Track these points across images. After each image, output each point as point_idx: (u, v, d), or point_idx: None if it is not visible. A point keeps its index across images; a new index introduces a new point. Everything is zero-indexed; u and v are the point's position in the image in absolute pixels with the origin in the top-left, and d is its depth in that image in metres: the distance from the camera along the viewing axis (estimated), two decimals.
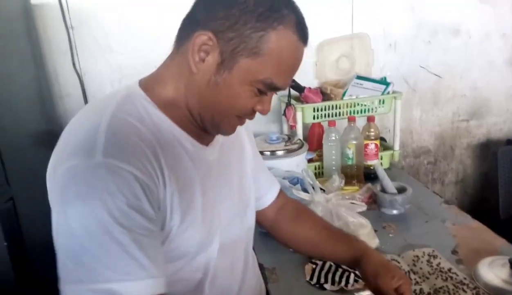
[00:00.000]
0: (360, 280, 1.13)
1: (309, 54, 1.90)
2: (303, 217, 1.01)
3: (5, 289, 1.22)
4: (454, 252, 1.26)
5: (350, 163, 1.72)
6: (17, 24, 1.52)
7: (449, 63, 2.12)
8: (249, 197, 0.89)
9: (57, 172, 0.59)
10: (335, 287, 1.10)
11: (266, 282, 1.16)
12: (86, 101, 1.81)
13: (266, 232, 1.07)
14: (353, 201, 1.35)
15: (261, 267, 1.20)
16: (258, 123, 1.95)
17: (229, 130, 0.74)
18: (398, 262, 1.19)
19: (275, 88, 0.68)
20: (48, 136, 1.70)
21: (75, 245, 0.55)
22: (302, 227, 0.99)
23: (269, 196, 1.00)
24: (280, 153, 1.60)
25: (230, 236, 0.80)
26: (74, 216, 0.55)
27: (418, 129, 2.21)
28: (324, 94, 1.84)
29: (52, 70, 1.76)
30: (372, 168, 1.72)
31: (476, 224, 1.42)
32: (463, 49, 2.10)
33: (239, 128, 0.77)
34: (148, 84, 0.70)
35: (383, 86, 1.79)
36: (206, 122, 0.71)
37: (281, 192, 1.04)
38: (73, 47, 1.74)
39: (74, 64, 1.75)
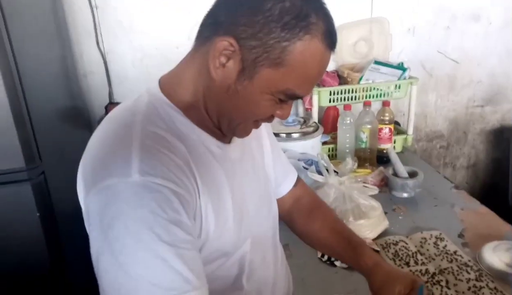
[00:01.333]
0: None
1: None
2: (315, 214, 0.98)
3: (38, 256, 1.32)
4: (460, 235, 1.31)
5: (363, 146, 1.76)
6: (43, 4, 1.57)
7: (467, 49, 2.12)
8: (271, 186, 0.90)
9: (92, 192, 0.58)
10: (345, 265, 1.17)
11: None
12: (108, 79, 1.87)
13: None
14: (365, 184, 1.40)
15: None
16: None
17: (244, 134, 0.73)
18: (406, 243, 1.26)
19: (296, 97, 0.67)
20: (74, 112, 1.78)
21: (118, 267, 0.55)
22: (313, 225, 0.96)
23: (284, 186, 0.99)
24: (295, 135, 1.65)
25: (259, 228, 0.81)
26: (116, 238, 0.55)
27: (433, 114, 2.23)
28: (340, 77, 1.87)
29: (77, 49, 1.81)
30: (385, 151, 1.77)
31: (484, 209, 1.47)
32: (482, 36, 2.10)
33: None
34: (168, 87, 0.69)
35: (400, 72, 1.81)
36: (222, 125, 0.70)
37: (299, 182, 1.02)
38: (97, 26, 1.79)
39: (98, 43, 1.81)
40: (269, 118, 0.71)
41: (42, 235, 1.29)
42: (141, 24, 1.82)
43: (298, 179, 1.02)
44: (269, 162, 0.91)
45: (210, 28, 0.64)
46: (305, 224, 0.98)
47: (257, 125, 0.73)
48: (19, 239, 1.27)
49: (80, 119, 1.83)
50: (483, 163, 2.39)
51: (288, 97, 0.65)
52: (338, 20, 2.01)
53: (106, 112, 1.85)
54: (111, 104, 1.87)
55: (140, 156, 0.58)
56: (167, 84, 0.70)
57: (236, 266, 0.75)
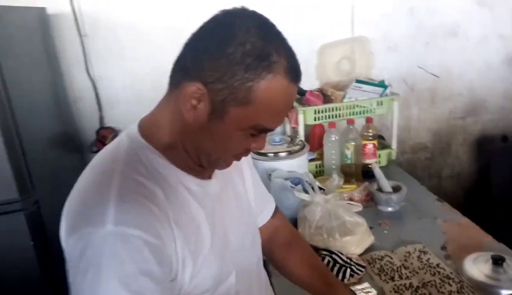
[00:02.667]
0: (355, 275, 1.24)
1: (311, 56, 2.01)
2: (293, 248, 1.01)
3: (32, 284, 1.34)
4: (443, 248, 1.36)
5: (349, 162, 1.81)
6: (34, 32, 1.62)
7: (446, 64, 2.19)
8: (254, 216, 0.93)
9: (70, 238, 0.61)
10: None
11: (270, 276, 1.27)
12: (99, 104, 1.92)
13: None
14: (350, 202, 1.45)
15: (264, 263, 1.31)
16: None
17: (225, 166, 0.76)
18: (391, 258, 1.30)
19: (267, 131, 0.70)
20: (65, 138, 1.81)
21: None
22: (291, 259, 0.99)
23: (263, 216, 1.01)
24: (282, 154, 1.70)
25: (244, 259, 0.83)
26: (88, 285, 0.58)
27: (416, 127, 2.30)
28: (325, 96, 1.93)
29: (67, 76, 1.86)
30: (370, 166, 1.82)
31: (465, 221, 1.52)
32: (460, 51, 2.18)
33: None
34: (147, 130, 0.72)
35: (381, 89, 1.88)
36: (202, 161, 0.73)
37: (277, 213, 1.04)
38: (86, 54, 1.84)
39: (87, 70, 1.86)
40: (246, 153, 0.74)
41: (36, 263, 1.32)
42: (130, 51, 1.87)
43: (277, 209, 1.05)
44: (251, 192, 0.94)
45: (179, 73, 0.67)
46: (283, 257, 1.00)
47: (238, 158, 0.75)
48: (14, 268, 1.31)
49: (71, 145, 1.86)
50: (467, 172, 2.46)
51: (258, 132, 0.69)
52: (320, 40, 2.09)
53: (97, 136, 1.89)
54: (102, 128, 1.91)
55: (116, 206, 0.60)
56: (146, 127, 0.73)
57: None
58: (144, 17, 1.83)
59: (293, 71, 0.66)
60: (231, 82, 0.62)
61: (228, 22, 0.65)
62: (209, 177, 0.78)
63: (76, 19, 1.77)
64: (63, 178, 1.64)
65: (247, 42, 0.62)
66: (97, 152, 0.74)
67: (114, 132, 1.89)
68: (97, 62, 1.86)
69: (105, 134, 1.87)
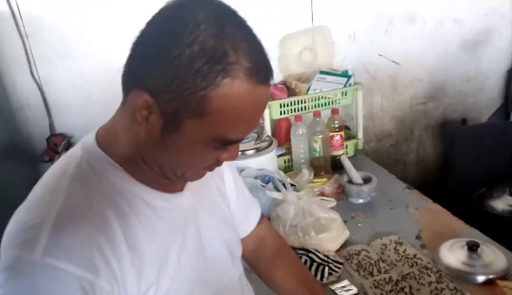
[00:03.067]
0: (334, 273, 1.20)
1: (272, 49, 1.95)
2: (280, 260, 0.94)
3: None
4: (418, 237, 1.35)
5: (317, 155, 1.78)
6: None
7: (406, 50, 2.20)
8: (235, 227, 0.85)
9: (3, 255, 0.54)
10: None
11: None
12: (47, 109, 1.76)
13: None
14: (324, 198, 1.41)
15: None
16: None
17: (196, 178, 0.68)
18: (368, 252, 1.27)
19: (234, 142, 0.60)
20: (13, 149, 1.66)
21: None
22: (277, 272, 0.93)
23: (249, 224, 0.94)
24: (250, 152, 1.63)
25: (223, 277, 0.77)
26: None
27: (380, 115, 2.30)
28: (289, 89, 1.88)
29: (9, 80, 1.69)
30: (338, 157, 1.79)
31: (436, 207, 1.53)
32: (419, 36, 2.19)
33: None
34: (105, 140, 0.64)
35: (345, 79, 1.85)
36: (169, 175, 0.64)
37: (263, 221, 0.97)
38: (29, 55, 1.68)
39: (31, 72, 1.70)
40: (217, 164, 0.65)
41: None
42: (78, 49, 1.73)
43: (262, 217, 0.98)
44: (233, 199, 0.86)
45: (128, 79, 0.59)
46: (269, 269, 0.94)
47: (210, 169, 0.67)
48: None
49: (20, 156, 1.71)
50: (431, 157, 2.50)
51: (223, 144, 0.59)
52: (281, 32, 2.02)
53: (48, 145, 1.74)
54: (53, 136, 1.76)
55: (50, 232, 0.53)
56: (104, 137, 0.64)
57: None
58: (90, 12, 1.68)
59: (259, 71, 0.55)
60: (181, 92, 0.53)
61: (174, 17, 0.54)
62: (181, 189, 0.70)
63: (15, 19, 1.61)
64: (13, 192, 1.51)
65: (196, 42, 0.51)
66: (49, 161, 0.65)
67: (66, 139, 1.74)
68: (41, 63, 1.70)
69: (56, 142, 1.72)
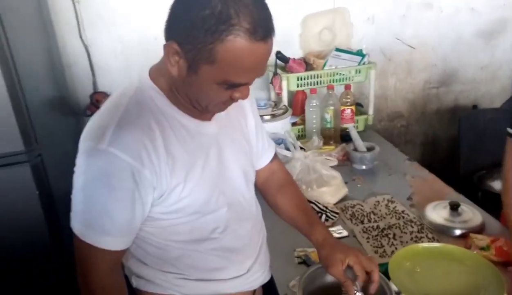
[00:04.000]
0: (330, 219, 1.40)
1: (294, 26, 2.12)
2: (285, 190, 1.12)
3: (38, 233, 1.46)
4: (409, 198, 1.53)
5: (328, 126, 1.96)
6: (29, 2, 1.68)
7: (422, 36, 2.32)
8: (251, 157, 1.03)
9: (80, 145, 0.78)
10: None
11: None
12: (92, 69, 2.00)
13: None
14: (327, 157, 1.59)
15: None
16: None
17: (218, 110, 0.86)
18: (362, 206, 1.46)
19: (239, 85, 0.77)
20: (61, 101, 1.90)
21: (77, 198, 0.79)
22: (281, 199, 1.10)
23: (264, 159, 1.11)
24: (266, 117, 1.83)
25: (237, 194, 0.96)
26: (81, 181, 0.78)
27: (393, 96, 2.44)
28: (307, 64, 2.05)
29: (60, 41, 1.93)
30: (347, 130, 1.96)
31: (431, 177, 1.69)
32: (435, 23, 2.31)
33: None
34: (154, 75, 0.83)
35: (359, 58, 2.01)
36: (196, 106, 0.83)
37: (275, 159, 1.15)
38: (79, 20, 1.91)
39: (80, 36, 1.93)
40: (231, 101, 0.82)
41: (41, 212, 1.44)
42: (121, 16, 1.95)
43: (275, 155, 1.16)
44: (253, 136, 1.05)
45: (166, 31, 0.76)
46: (275, 196, 1.12)
47: (226, 105, 0.84)
48: (20, 217, 1.42)
49: (66, 108, 1.95)
50: (440, 139, 2.62)
51: (230, 86, 0.76)
52: (303, 11, 2.19)
53: (91, 101, 1.98)
54: (96, 93, 2.00)
55: (113, 131, 0.75)
56: (154, 73, 0.84)
57: (212, 222, 0.91)
58: None
59: (257, 30, 0.69)
60: (195, 44, 0.70)
61: None
62: (209, 119, 0.89)
63: None
64: (61, 138, 1.76)
65: (207, 8, 0.68)
66: (90, 115, 0.88)
67: (107, 97, 1.96)
68: (89, 28, 1.93)
69: (98, 98, 1.96)
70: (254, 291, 1.05)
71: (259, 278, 1.05)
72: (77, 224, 0.80)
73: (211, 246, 0.93)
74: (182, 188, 0.83)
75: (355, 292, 0.90)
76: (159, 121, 0.81)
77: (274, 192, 1.13)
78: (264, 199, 1.16)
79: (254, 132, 1.05)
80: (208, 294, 0.97)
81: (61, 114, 1.88)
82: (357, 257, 0.92)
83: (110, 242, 0.80)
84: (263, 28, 0.71)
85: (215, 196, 0.90)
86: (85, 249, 0.80)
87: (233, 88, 0.78)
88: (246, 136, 1.02)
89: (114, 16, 1.94)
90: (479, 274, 0.99)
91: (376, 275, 0.91)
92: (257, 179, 1.09)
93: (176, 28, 0.73)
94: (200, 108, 0.84)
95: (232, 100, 0.83)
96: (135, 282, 0.96)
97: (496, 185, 2.16)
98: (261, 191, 1.15)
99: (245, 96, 0.81)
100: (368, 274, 0.91)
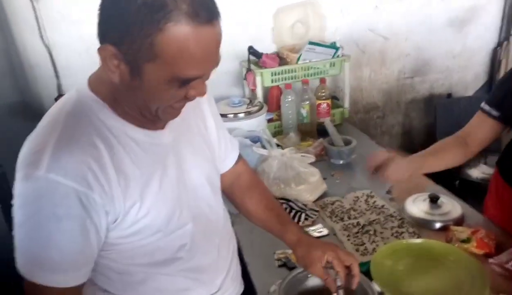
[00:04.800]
0: (309, 218, 1.36)
1: (266, 20, 2.07)
2: (253, 191, 1.07)
3: (1, 242, 1.38)
4: (388, 192, 1.50)
5: (305, 121, 1.92)
6: None
7: (394, 26, 2.31)
8: (215, 162, 0.96)
9: (16, 175, 0.68)
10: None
11: (232, 224, 1.37)
12: (55, 71, 1.90)
13: None
14: (304, 154, 1.55)
15: (228, 213, 1.40)
16: (221, 87, 2.11)
17: (170, 117, 0.77)
18: (341, 202, 1.43)
19: (191, 80, 0.68)
20: (23, 106, 1.81)
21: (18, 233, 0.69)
22: (250, 201, 1.05)
23: (227, 162, 1.05)
24: (241, 115, 1.78)
25: (202, 203, 0.88)
26: (22, 215, 0.68)
27: (368, 87, 2.43)
28: (281, 58, 2.01)
29: (20, 42, 1.83)
30: (324, 124, 1.93)
31: None
32: (406, 13, 2.30)
33: (200, 98, 0.76)
34: (94, 84, 0.74)
35: (333, 51, 1.98)
36: (145, 114, 0.74)
37: (240, 160, 1.09)
38: (38, 19, 1.81)
39: (41, 36, 1.83)
40: (186, 100, 0.73)
41: (5, 226, 1.35)
42: (82, 13, 1.83)
43: (240, 157, 1.10)
44: (214, 139, 0.98)
45: (99, 35, 0.67)
46: (243, 199, 1.07)
47: (181, 106, 0.75)
48: None
49: (30, 113, 1.85)
50: (416, 129, 2.63)
51: (182, 83, 0.67)
52: (275, 4, 2.14)
53: None
54: (61, 96, 1.90)
55: (52, 153, 0.66)
56: (93, 82, 0.75)
57: (177, 240, 0.83)
58: None
59: (200, 12, 0.62)
60: (133, 40, 0.62)
61: None
62: (162, 128, 0.81)
63: None
64: (20, 145, 1.66)
65: None
66: None
67: None
68: (49, 27, 1.83)
69: None
70: None
71: (232, 293, 0.99)
72: (23, 264, 0.70)
73: (178, 267, 0.86)
74: (139, 208, 0.75)
75: (338, 289, 0.88)
76: (104, 137, 0.72)
77: (242, 195, 1.08)
78: (232, 204, 1.11)
79: (215, 134, 0.98)
80: None
81: (22, 119, 1.78)
82: (335, 252, 0.89)
83: (63, 278, 0.71)
84: (206, 9, 0.63)
85: (178, 211, 0.82)
86: (36, 291, 0.70)
87: (185, 85, 0.69)
88: (207, 140, 0.94)
89: (75, 13, 1.84)
90: (462, 269, 0.98)
91: (356, 268, 0.89)
92: (222, 183, 1.02)
93: (109, 28, 0.65)
94: (151, 116, 0.75)
95: (188, 99, 0.73)
96: None
97: (475, 172, 2.18)
98: (227, 195, 1.09)
99: (201, 93, 0.72)
100: (348, 268, 0.89)
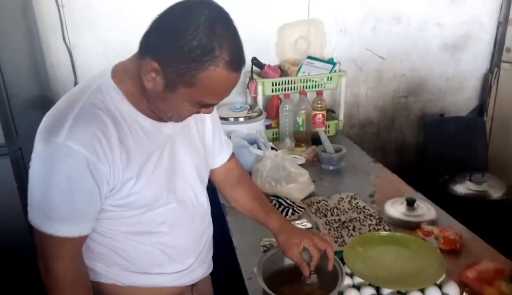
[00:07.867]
0: (296, 213, 1.49)
1: (271, 35, 2.24)
2: (241, 185, 1.21)
3: (15, 221, 1.51)
4: (371, 195, 1.63)
5: (300, 129, 2.06)
6: (14, 3, 1.76)
7: (391, 47, 2.47)
8: (207, 158, 1.10)
9: (36, 138, 0.82)
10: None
11: (225, 215, 1.50)
12: (74, 71, 2.08)
13: None
14: (295, 155, 1.69)
15: (222, 206, 1.54)
16: None
17: (179, 121, 0.93)
18: (327, 202, 1.56)
19: (211, 106, 0.87)
20: (43, 100, 1.97)
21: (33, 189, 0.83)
22: (238, 193, 1.20)
23: (220, 159, 1.19)
24: (241, 119, 1.93)
25: (189, 189, 1.02)
26: (38, 174, 0.81)
27: (364, 104, 2.57)
28: (283, 71, 2.17)
29: (44, 42, 2.01)
30: (318, 133, 2.07)
31: (394, 177, 1.80)
32: (403, 36, 2.46)
33: None
34: (119, 74, 0.87)
35: (331, 66, 2.13)
36: (161, 116, 0.90)
37: (232, 158, 1.22)
38: (63, 22, 1.99)
39: (64, 38, 2.01)
40: (197, 113, 0.91)
41: (19, 204, 1.49)
42: (103, 19, 2.04)
43: (233, 155, 1.23)
44: (209, 138, 1.12)
45: (144, 47, 0.82)
46: (232, 191, 1.21)
47: (190, 116, 0.93)
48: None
49: (48, 107, 2.00)
50: (409, 146, 2.76)
51: (202, 106, 0.86)
52: (280, 20, 2.32)
53: None
54: None
55: (70, 125, 0.79)
56: (118, 72, 0.88)
57: (159, 216, 0.96)
58: None
59: (234, 63, 0.79)
60: (179, 69, 0.77)
61: (184, 16, 0.77)
62: (166, 120, 0.94)
63: None
64: None
65: (195, 39, 0.75)
66: None
67: None
68: (72, 30, 2.01)
69: None
70: (193, 284, 1.11)
71: (199, 272, 1.11)
72: (35, 216, 0.83)
73: (155, 240, 0.98)
74: (134, 184, 0.88)
75: (310, 273, 1.00)
76: (115, 119, 0.85)
77: (232, 187, 1.21)
78: (223, 195, 1.25)
79: (211, 134, 1.12)
80: (148, 286, 1.02)
81: (42, 112, 1.92)
82: (311, 239, 1.01)
83: (70, 229, 0.84)
84: (239, 60, 0.80)
85: (165, 194, 0.95)
86: (46, 240, 0.83)
87: (203, 106, 0.87)
88: (202, 137, 1.08)
89: (97, 19, 2.03)
90: (423, 257, 1.10)
91: (330, 252, 1.00)
92: (215, 177, 1.18)
93: (160, 49, 0.78)
94: (165, 118, 0.91)
95: (197, 113, 0.91)
96: None
97: (460, 188, 2.30)
98: (219, 188, 1.23)
99: (210, 112, 0.91)
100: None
